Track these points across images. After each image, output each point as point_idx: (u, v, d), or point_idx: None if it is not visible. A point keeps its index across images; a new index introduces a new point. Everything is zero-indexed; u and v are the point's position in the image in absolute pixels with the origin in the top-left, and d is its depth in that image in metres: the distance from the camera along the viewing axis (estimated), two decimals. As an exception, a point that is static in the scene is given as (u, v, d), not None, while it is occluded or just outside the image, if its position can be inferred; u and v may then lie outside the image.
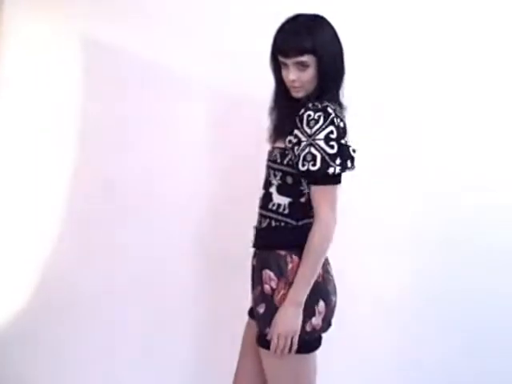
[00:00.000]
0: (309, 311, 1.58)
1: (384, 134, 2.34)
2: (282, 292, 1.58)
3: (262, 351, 1.64)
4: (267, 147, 1.75)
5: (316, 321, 1.59)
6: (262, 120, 1.78)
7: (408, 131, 2.39)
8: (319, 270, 1.58)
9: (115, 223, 2.33)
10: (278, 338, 1.56)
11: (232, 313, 2.09)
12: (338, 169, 1.52)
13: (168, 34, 2.28)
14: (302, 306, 1.56)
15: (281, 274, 1.59)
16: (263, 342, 1.62)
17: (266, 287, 1.61)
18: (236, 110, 2.29)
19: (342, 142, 1.54)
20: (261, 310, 1.62)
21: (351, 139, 1.62)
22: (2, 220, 2.31)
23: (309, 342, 1.61)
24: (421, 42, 2.36)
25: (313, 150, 1.51)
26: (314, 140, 1.51)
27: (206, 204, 2.36)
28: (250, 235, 1.74)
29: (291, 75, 1.59)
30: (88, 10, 2.26)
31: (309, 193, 1.61)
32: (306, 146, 1.52)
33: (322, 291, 1.62)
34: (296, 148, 1.56)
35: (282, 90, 1.68)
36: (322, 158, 1.51)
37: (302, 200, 1.63)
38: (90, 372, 2.34)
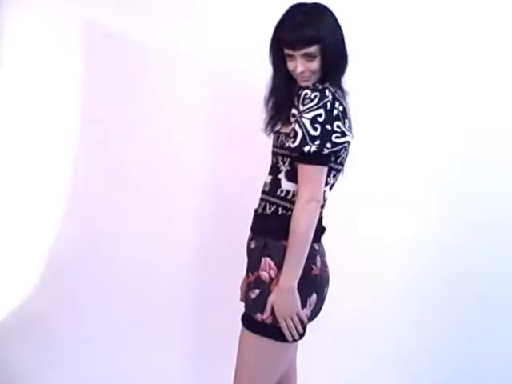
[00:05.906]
0: (300, 302, 1.57)
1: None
2: None
3: (245, 332, 1.62)
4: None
5: (305, 311, 1.59)
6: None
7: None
8: (306, 252, 1.54)
9: (116, 212, 2.36)
10: (285, 322, 1.55)
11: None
12: (313, 147, 1.50)
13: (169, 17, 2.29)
14: (295, 288, 1.54)
15: (281, 264, 1.56)
16: (248, 323, 1.61)
17: (264, 274, 1.59)
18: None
19: (328, 127, 1.51)
20: (253, 295, 1.60)
21: (351, 123, 1.62)
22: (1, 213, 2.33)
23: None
24: (420, 40, 2.36)
25: (297, 127, 1.52)
26: (301, 117, 1.51)
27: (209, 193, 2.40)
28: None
29: (300, 67, 1.59)
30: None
31: None
32: (293, 122, 1.53)
33: (317, 284, 1.62)
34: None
35: (283, 78, 1.67)
36: (303, 137, 1.50)
37: None
38: (89, 367, 2.37)
